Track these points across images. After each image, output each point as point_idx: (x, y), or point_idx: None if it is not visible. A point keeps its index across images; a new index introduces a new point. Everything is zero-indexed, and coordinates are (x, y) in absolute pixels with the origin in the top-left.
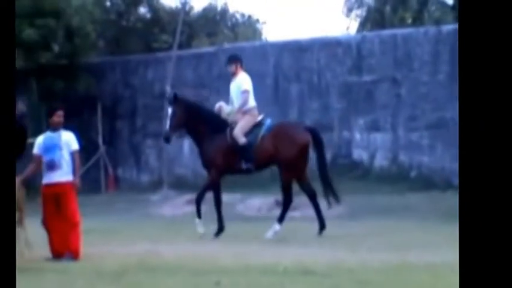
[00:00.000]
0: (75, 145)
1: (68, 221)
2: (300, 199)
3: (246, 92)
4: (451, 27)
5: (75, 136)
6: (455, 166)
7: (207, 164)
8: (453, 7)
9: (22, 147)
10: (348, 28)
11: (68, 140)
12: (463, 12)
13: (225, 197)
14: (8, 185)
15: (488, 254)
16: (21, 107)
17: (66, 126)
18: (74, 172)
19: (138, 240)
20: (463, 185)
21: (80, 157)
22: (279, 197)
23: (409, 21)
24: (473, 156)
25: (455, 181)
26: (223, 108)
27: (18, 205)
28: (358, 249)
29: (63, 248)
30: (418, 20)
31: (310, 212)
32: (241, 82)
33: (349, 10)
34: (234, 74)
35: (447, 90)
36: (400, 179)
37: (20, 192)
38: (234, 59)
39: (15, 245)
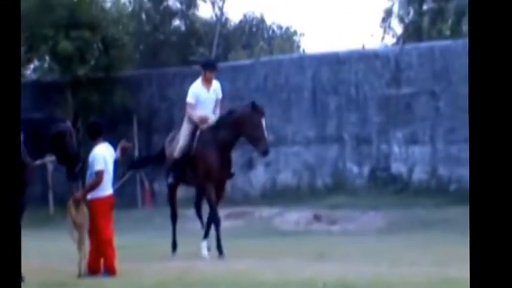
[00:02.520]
0: (96, 166)
1: (99, 238)
2: (339, 213)
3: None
4: None
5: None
6: None
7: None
8: None
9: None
10: (382, 38)
11: (92, 160)
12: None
13: (263, 211)
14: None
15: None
16: (63, 125)
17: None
18: (87, 188)
19: (175, 256)
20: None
21: (116, 171)
22: (318, 211)
23: (447, 33)
24: (484, 167)
25: None
26: (211, 118)
27: (76, 222)
28: (399, 264)
29: (97, 265)
30: (456, 32)
31: (349, 226)
32: (219, 90)
33: (383, 21)
34: (210, 81)
35: None
36: (439, 192)
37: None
38: (216, 66)
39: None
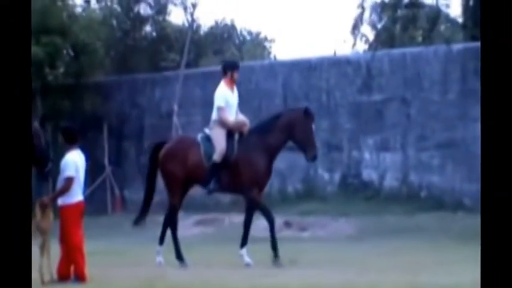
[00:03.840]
0: (66, 172)
1: (69, 244)
2: (309, 220)
3: None
4: (461, 46)
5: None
6: (466, 186)
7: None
8: (463, 26)
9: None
10: (354, 45)
11: (63, 166)
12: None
13: (234, 218)
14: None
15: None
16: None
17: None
18: (55, 194)
19: (145, 263)
20: (484, 205)
21: (86, 178)
22: (288, 217)
23: (419, 39)
24: (494, 176)
25: (466, 201)
26: (247, 122)
27: (41, 227)
28: (368, 271)
29: (67, 271)
30: (428, 39)
31: (320, 232)
32: (237, 94)
33: (355, 28)
34: (234, 83)
35: (457, 109)
36: (410, 199)
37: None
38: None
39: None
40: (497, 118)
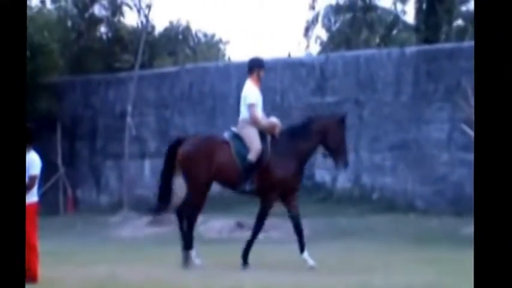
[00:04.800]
0: (31, 170)
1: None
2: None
3: None
4: (414, 49)
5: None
6: (418, 188)
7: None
8: (416, 29)
9: None
10: (307, 47)
11: (28, 164)
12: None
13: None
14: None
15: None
16: None
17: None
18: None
19: (97, 263)
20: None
21: (39, 179)
22: (241, 218)
23: (374, 42)
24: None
25: (418, 203)
26: (279, 124)
27: None
28: (321, 272)
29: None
30: (382, 42)
31: (273, 234)
32: None
33: (308, 30)
34: (260, 81)
35: (410, 111)
36: (362, 201)
37: None
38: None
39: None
40: (492, 122)
